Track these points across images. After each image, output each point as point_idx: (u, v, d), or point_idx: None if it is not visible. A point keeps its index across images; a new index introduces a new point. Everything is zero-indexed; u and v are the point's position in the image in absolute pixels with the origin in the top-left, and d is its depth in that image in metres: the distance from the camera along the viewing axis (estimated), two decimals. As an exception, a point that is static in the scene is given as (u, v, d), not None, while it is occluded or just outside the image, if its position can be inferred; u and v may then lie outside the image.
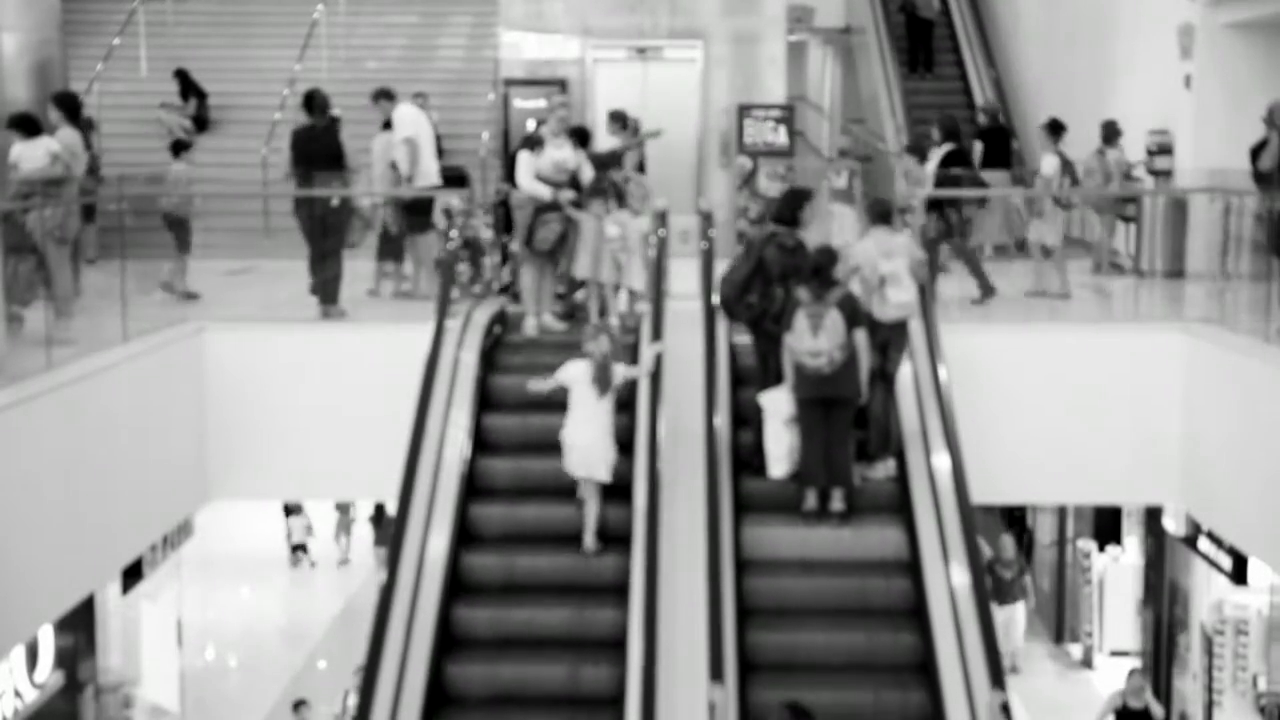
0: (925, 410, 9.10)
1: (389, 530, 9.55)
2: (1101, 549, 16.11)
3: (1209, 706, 13.35)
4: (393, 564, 7.84)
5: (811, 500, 8.80)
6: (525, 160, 10.56)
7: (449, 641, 8.16)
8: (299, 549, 20.09)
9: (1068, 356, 10.37)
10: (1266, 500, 9.19)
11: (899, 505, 8.91)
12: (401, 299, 12.00)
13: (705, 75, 17.70)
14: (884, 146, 17.99)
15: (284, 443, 10.30)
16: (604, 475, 8.51)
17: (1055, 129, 12.63)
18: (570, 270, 10.83)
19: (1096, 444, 10.24)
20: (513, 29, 17.82)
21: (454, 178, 12.66)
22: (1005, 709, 6.62)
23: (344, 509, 20.05)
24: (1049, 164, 12.42)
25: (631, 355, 9.50)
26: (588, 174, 10.84)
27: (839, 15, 22.55)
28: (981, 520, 17.97)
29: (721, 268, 9.54)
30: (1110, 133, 13.29)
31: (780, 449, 8.99)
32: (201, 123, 17.39)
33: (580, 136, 11.30)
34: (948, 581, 7.96)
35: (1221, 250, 10.94)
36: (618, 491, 8.60)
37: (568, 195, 10.58)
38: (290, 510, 20.03)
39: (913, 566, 8.45)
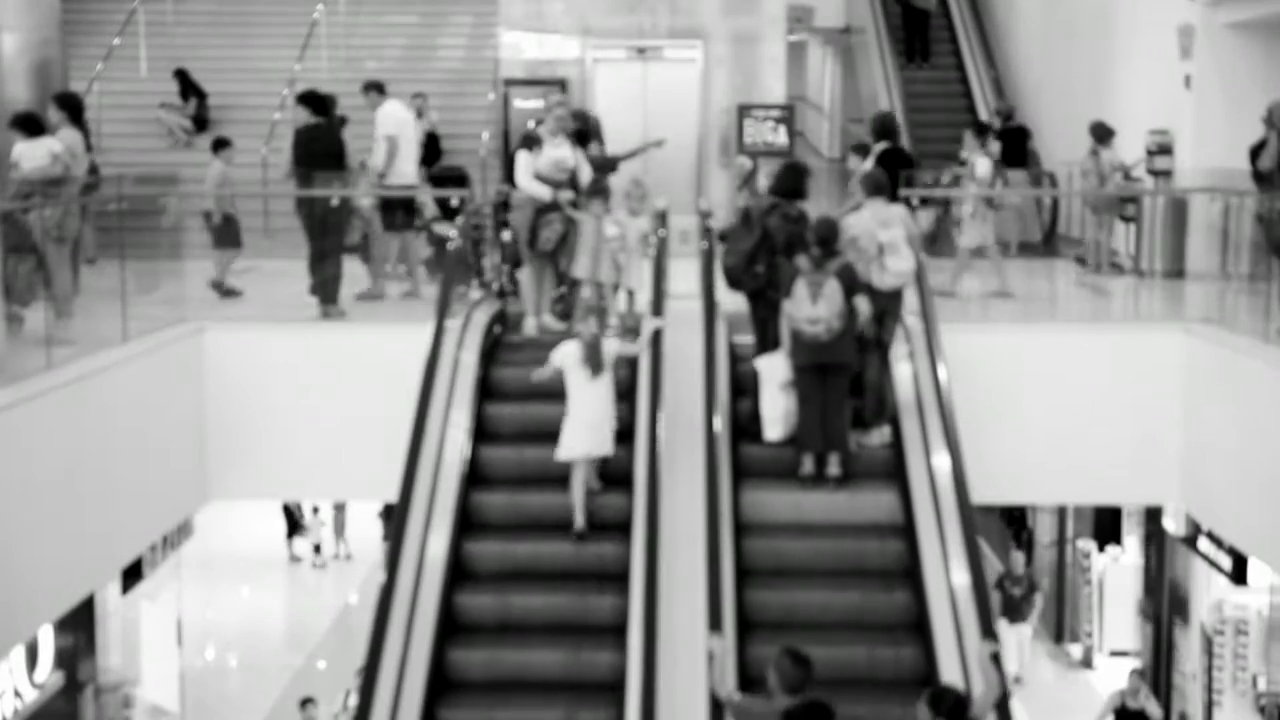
0: (925, 410, 9.12)
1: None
2: (1101, 549, 16.11)
3: (1209, 706, 13.35)
4: (393, 559, 7.87)
5: (808, 465, 8.97)
6: (524, 160, 10.56)
7: (451, 627, 8.25)
8: (317, 549, 20.21)
9: (1068, 356, 10.37)
10: (1266, 500, 9.19)
11: (893, 470, 9.08)
12: (406, 299, 11.98)
13: (705, 75, 17.71)
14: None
15: (284, 443, 10.29)
16: (608, 449, 8.67)
17: (982, 131, 13.02)
18: (569, 270, 10.83)
19: (1096, 444, 10.24)
20: (513, 29, 17.84)
21: (454, 178, 12.64)
22: (995, 658, 6.72)
23: (340, 508, 20.12)
24: (982, 165, 12.58)
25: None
26: (586, 174, 10.84)
27: (839, 15, 22.54)
28: (998, 533, 18.13)
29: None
30: (1102, 133, 13.30)
31: (776, 412, 9.17)
32: (201, 123, 17.38)
33: (580, 137, 11.28)
34: (941, 544, 8.12)
35: (1221, 250, 10.95)
36: (617, 480, 8.77)
37: (567, 195, 10.57)
38: (296, 517, 20.14)
39: (907, 530, 8.65)
